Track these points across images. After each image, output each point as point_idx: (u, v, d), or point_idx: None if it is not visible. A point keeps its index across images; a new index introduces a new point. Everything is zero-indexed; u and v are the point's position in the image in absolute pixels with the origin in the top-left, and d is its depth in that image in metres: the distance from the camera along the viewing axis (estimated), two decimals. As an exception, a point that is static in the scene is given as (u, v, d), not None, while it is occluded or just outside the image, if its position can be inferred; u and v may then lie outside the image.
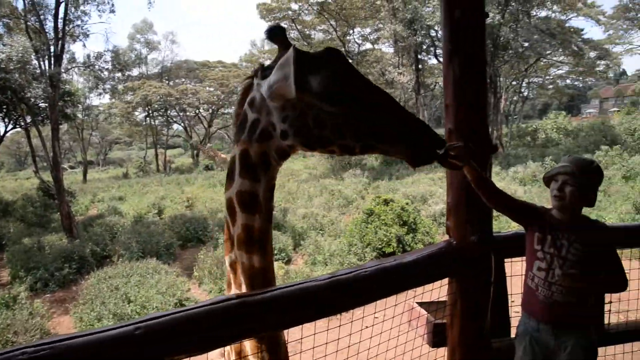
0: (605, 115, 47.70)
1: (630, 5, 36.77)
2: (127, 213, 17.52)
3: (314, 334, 2.04)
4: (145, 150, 45.36)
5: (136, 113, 41.43)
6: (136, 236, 12.53)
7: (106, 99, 40.97)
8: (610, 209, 13.19)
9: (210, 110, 45.86)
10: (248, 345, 1.88)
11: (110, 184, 29.34)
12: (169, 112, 42.93)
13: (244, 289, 1.86)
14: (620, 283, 2.27)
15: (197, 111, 44.85)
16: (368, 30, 37.21)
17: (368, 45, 37.29)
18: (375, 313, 2.34)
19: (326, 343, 2.04)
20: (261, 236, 1.81)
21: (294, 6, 32.99)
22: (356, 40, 36.34)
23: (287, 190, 20.56)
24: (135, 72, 43.17)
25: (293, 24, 34.54)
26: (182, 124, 46.38)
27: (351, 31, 35.19)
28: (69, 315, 9.10)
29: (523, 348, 2.40)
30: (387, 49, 38.57)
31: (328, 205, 16.40)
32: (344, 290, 2.02)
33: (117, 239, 13.00)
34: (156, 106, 40.36)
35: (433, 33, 31.26)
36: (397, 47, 33.29)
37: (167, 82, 43.69)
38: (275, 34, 1.73)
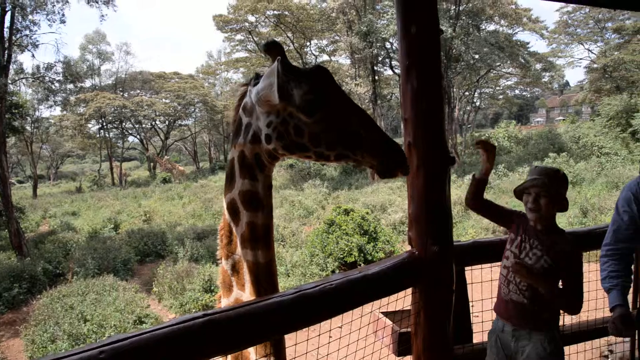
0: (552, 124, 50.01)
1: (570, 21, 38.94)
2: (82, 228, 16.89)
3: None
4: (99, 164, 43.82)
5: (89, 125, 39.97)
6: (91, 252, 12.09)
7: (57, 111, 39.58)
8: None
9: (167, 122, 44.92)
10: (253, 351, 1.95)
11: (63, 198, 28.15)
12: (124, 124, 41.66)
13: (248, 287, 1.92)
14: (572, 305, 2.39)
15: (153, 123, 43.78)
16: (325, 42, 37.63)
17: (325, 57, 37.66)
18: (342, 325, 2.35)
19: (294, 358, 2.04)
20: (265, 231, 1.91)
21: (251, 18, 32.96)
22: (313, 52, 36.66)
23: (247, 202, 20.35)
24: (88, 83, 41.91)
25: (250, 36, 34.46)
26: (138, 136, 45.18)
27: (308, 43, 35.45)
28: (19, 337, 8.65)
29: (489, 346, 2.53)
30: (344, 60, 39.11)
31: (289, 216, 16.37)
32: (311, 304, 2.03)
33: (71, 255, 12.50)
34: (110, 118, 39.11)
35: (388, 45, 31.96)
36: (353, 59, 33.78)
37: (121, 93, 42.44)
38: (270, 48, 1.85)
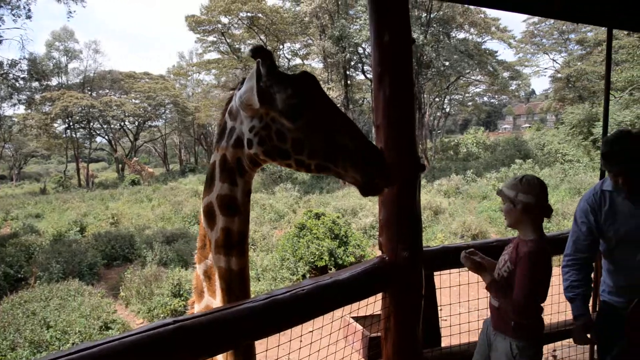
0: (518, 131, 51.43)
1: (536, 32, 40.26)
2: (46, 231, 16.33)
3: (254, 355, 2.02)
4: (65, 164, 42.55)
5: (55, 125, 38.82)
6: (56, 256, 11.69)
7: (22, 109, 38.24)
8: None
9: (137, 123, 44.06)
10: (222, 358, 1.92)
11: (26, 200, 27.14)
12: (91, 124, 40.61)
13: (219, 294, 1.90)
14: (510, 304, 2.33)
15: (122, 124, 42.85)
16: (298, 45, 37.69)
17: (298, 61, 37.71)
18: (312, 330, 2.36)
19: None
20: (240, 238, 1.88)
21: (224, 19, 32.74)
22: (286, 55, 36.65)
23: (217, 205, 20.14)
24: (54, 81, 40.71)
25: (222, 37, 34.20)
26: (106, 137, 44.09)
27: (281, 46, 35.43)
28: (-23, 345, 8.30)
29: (479, 338, 2.61)
30: (316, 64, 39.25)
31: (259, 219, 16.28)
32: (283, 309, 2.04)
33: (34, 259, 12.09)
34: (77, 118, 38.05)
35: (361, 50, 32.28)
36: (326, 63, 33.98)
37: (89, 92, 41.36)
38: (258, 54, 1.76)
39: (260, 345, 2.06)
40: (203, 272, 1.96)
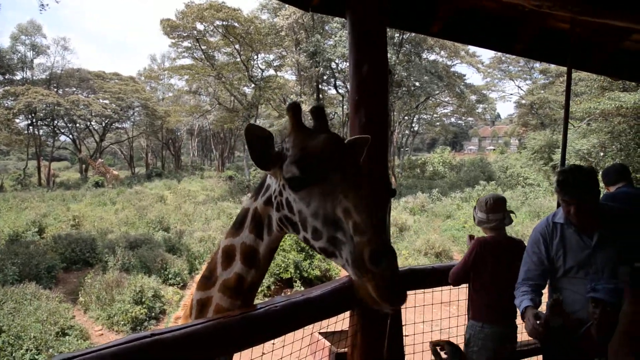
0: (483, 153, 53.00)
1: (503, 58, 41.82)
2: (1, 231, 15.73)
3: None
4: (25, 161, 41.00)
5: (17, 121, 37.47)
6: (12, 257, 11.33)
7: (-19, 104, 36.72)
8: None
9: (103, 124, 43.02)
10: None
11: (-20, 197, 26.13)
12: (56, 122, 39.47)
13: None
14: None
15: (88, 124, 41.72)
16: (272, 56, 37.81)
17: (271, 72, 37.81)
18: (283, 346, 2.45)
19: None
20: (250, 287, 1.88)
21: (199, 26, 32.56)
22: (260, 65, 36.73)
23: (183, 212, 19.94)
24: (18, 76, 39.41)
25: (197, 44, 33.99)
26: (71, 136, 42.83)
27: (255, 56, 35.48)
28: None
29: None
30: (289, 76, 39.46)
31: (226, 228, 16.14)
32: (257, 325, 2.11)
33: (-13, 260, 11.63)
34: (42, 115, 36.92)
35: (334, 65, 32.69)
36: (299, 76, 34.25)
37: (55, 90, 40.22)
38: (289, 109, 1.65)
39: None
40: (198, 300, 1.94)
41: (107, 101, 41.09)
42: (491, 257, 3.02)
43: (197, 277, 2.01)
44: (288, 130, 1.65)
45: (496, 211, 3.11)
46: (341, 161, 1.53)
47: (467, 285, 3.18)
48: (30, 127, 38.19)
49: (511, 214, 3.21)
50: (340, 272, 11.10)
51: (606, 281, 2.38)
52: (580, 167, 2.70)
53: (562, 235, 2.73)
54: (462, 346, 3.09)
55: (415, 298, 3.22)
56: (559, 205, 3.61)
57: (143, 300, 9.35)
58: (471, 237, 3.33)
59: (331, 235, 1.45)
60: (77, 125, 41.14)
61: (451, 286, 3.38)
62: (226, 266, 1.86)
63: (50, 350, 7.60)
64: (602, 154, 20.99)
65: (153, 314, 9.41)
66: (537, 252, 2.80)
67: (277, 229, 1.76)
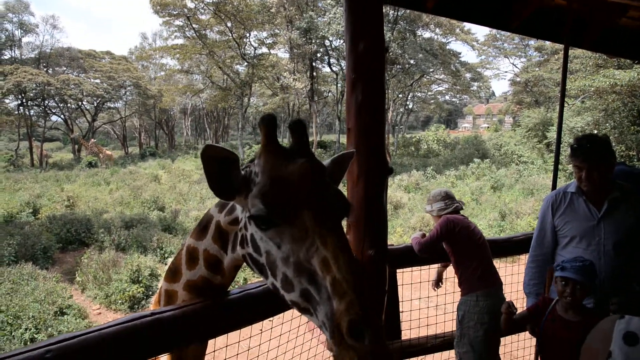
0: (477, 130, 53.01)
1: (498, 35, 41.53)
2: (-5, 212, 15.70)
3: (226, 346, 2.12)
4: (17, 142, 40.57)
5: (7, 101, 36.94)
6: (7, 238, 11.32)
7: (-31, 83, 36.10)
8: (480, 216, 14.76)
9: (95, 104, 42.51)
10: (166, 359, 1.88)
11: (-28, 178, 25.94)
12: (47, 102, 38.86)
13: None
14: None
15: (80, 103, 41.18)
16: (265, 34, 37.33)
17: (264, 50, 37.34)
18: (282, 323, 2.48)
19: (237, 354, 2.14)
20: (220, 289, 1.77)
21: (190, 4, 31.99)
22: (252, 43, 36.26)
23: (178, 192, 19.93)
24: (6, 55, 38.74)
25: (188, 22, 33.45)
26: (62, 116, 42.21)
27: (247, 34, 34.99)
28: None
29: None
30: (283, 54, 39.05)
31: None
32: (256, 303, 2.13)
33: (-18, 241, 11.61)
34: (32, 95, 36.35)
35: (327, 43, 32.33)
36: (292, 54, 33.88)
37: (45, 69, 39.59)
38: (261, 122, 1.35)
39: (231, 335, 2.16)
40: (166, 290, 1.82)
41: (98, 80, 40.56)
42: (462, 229, 3.19)
43: (165, 274, 1.87)
44: (259, 150, 1.37)
45: (450, 198, 3.41)
46: (319, 196, 1.28)
47: (453, 266, 3.26)
48: (21, 108, 37.68)
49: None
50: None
51: (574, 259, 2.43)
52: (595, 135, 2.78)
53: (571, 204, 2.81)
54: (454, 324, 3.16)
55: (412, 275, 3.27)
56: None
57: (140, 279, 9.39)
58: None
59: (304, 288, 1.21)
60: (69, 105, 40.59)
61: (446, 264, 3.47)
62: (191, 267, 1.68)
63: (49, 329, 7.65)
64: (595, 131, 21.04)
65: (150, 292, 9.47)
66: (546, 220, 2.90)
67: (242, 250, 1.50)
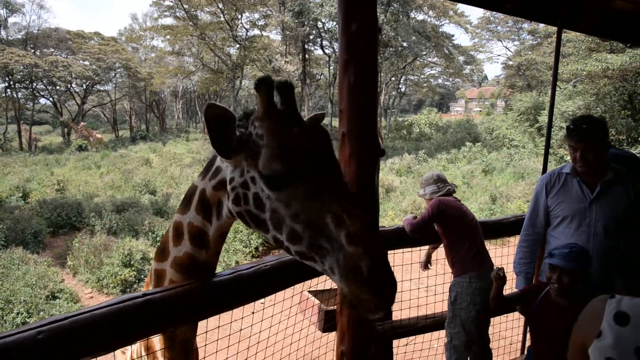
0: (469, 114, 53.07)
1: (492, 18, 41.33)
2: (-16, 196, 15.53)
3: (218, 327, 2.13)
4: (5, 126, 40.02)
5: (-7, 83, 36.34)
6: (-3, 223, 11.23)
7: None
8: (472, 199, 14.86)
9: (85, 86, 41.88)
10: (157, 340, 1.88)
11: (-40, 162, 25.61)
12: (35, 84, 38.19)
13: None
14: None
15: (69, 86, 40.55)
16: (257, 15, 36.85)
17: (256, 32, 36.90)
18: (274, 304, 2.49)
19: (229, 335, 2.15)
20: (205, 268, 1.75)
21: (180, -18, 31.50)
22: (244, 25, 35.80)
23: (169, 175, 19.83)
24: (-8, 36, 37.97)
25: (179, 3, 32.91)
26: (51, 99, 41.53)
27: (239, 16, 34.51)
28: None
29: None
30: (275, 36, 38.63)
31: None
32: (247, 284, 2.14)
33: (-28, 225, 11.52)
34: (19, 77, 35.70)
35: (320, 25, 32.00)
36: (284, 36, 33.53)
37: (32, 50, 38.84)
38: (258, 85, 1.36)
39: (223, 317, 2.16)
40: (155, 270, 1.82)
41: (87, 62, 39.88)
42: (453, 210, 3.23)
43: (155, 253, 1.87)
44: (258, 113, 1.40)
45: (442, 181, 3.43)
46: (328, 157, 1.38)
47: (445, 248, 3.29)
48: (8, 90, 37.03)
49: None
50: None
51: (564, 246, 2.45)
52: (591, 116, 2.79)
53: (565, 184, 2.83)
54: (445, 305, 3.20)
55: (403, 257, 3.29)
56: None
57: (132, 262, 9.39)
58: None
59: (313, 241, 1.28)
60: (57, 87, 39.91)
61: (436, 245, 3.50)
62: (176, 243, 1.70)
63: (41, 313, 7.65)
64: (587, 115, 21.13)
65: (142, 276, 9.48)
66: (539, 199, 2.93)
67: (229, 216, 1.56)
